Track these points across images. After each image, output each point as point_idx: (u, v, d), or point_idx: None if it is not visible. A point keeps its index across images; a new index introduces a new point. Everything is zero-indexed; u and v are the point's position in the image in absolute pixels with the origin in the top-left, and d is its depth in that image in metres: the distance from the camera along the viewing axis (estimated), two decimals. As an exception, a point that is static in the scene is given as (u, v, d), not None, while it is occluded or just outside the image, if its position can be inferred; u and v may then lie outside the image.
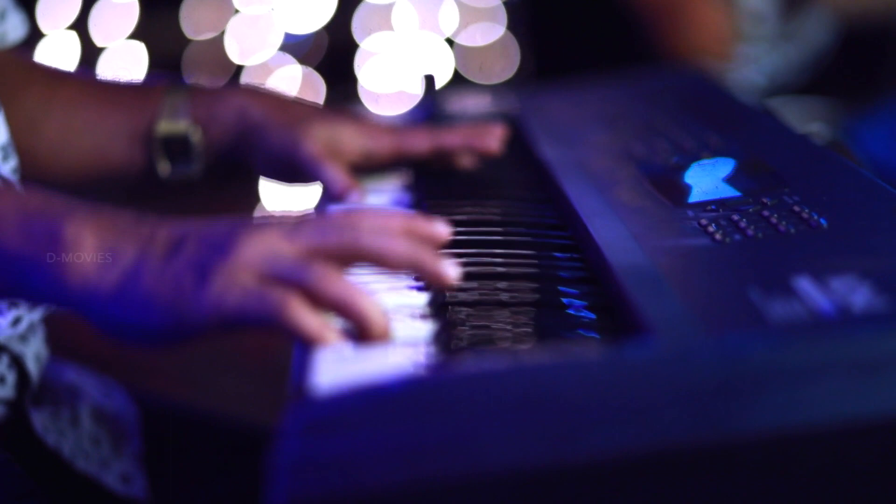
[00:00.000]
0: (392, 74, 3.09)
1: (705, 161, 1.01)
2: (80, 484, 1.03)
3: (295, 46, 3.11)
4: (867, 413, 0.64)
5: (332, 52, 3.12)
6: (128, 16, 3.00)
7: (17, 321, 0.99)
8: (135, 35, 2.99)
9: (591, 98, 1.39)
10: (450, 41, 3.14)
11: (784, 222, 0.84)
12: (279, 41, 3.09)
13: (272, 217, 0.79)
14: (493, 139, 1.16)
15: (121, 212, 0.80)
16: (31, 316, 1.01)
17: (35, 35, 2.79)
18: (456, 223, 0.91)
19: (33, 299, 0.80)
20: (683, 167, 1.00)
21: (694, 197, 0.93)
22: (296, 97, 1.24)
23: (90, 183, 1.18)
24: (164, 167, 1.16)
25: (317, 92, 3.10)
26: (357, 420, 0.63)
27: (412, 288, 0.85)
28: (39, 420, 1.01)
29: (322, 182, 1.13)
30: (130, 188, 1.20)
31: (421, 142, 1.16)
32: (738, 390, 0.64)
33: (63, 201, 0.80)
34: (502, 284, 0.86)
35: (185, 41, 3.05)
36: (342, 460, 0.62)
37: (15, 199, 0.81)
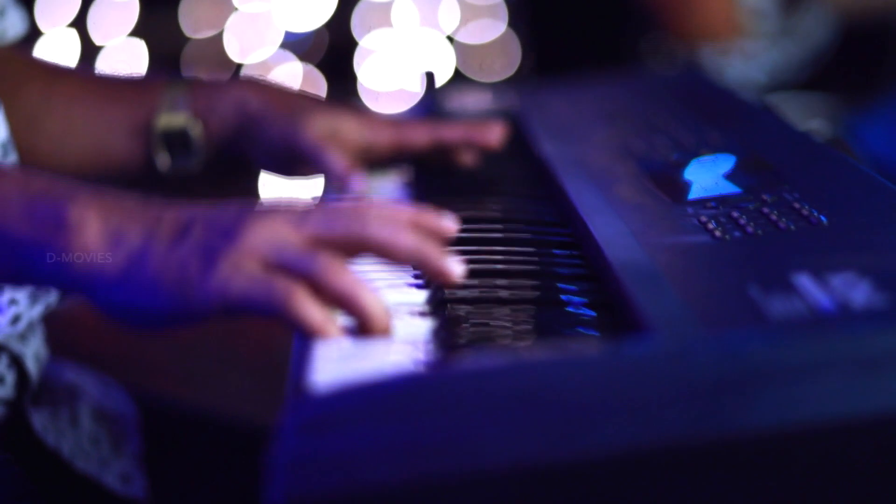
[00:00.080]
0: (392, 72, 3.09)
1: (705, 158, 1.01)
2: (80, 484, 1.03)
3: (295, 44, 3.11)
4: (867, 410, 0.64)
5: (332, 49, 3.11)
6: (127, 14, 3.00)
7: (16, 319, 0.99)
8: (135, 33, 2.99)
9: (591, 95, 1.39)
10: (450, 39, 3.14)
11: (784, 219, 0.84)
12: (279, 39, 3.09)
13: (280, 203, 0.79)
14: (493, 134, 1.16)
15: (126, 195, 0.80)
16: (30, 313, 1.00)
17: (34, 34, 2.79)
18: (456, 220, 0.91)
19: (38, 283, 0.80)
20: (683, 164, 1.00)
21: (694, 194, 0.93)
22: (296, 89, 1.24)
23: (91, 178, 1.17)
24: (163, 161, 1.16)
25: (317, 90, 3.10)
26: (355, 417, 0.63)
27: (411, 285, 0.85)
28: (39, 420, 1.01)
29: (323, 168, 1.12)
30: (131, 183, 1.19)
31: (421, 135, 1.17)
32: (738, 387, 0.64)
33: (66, 184, 0.80)
34: (502, 282, 0.86)
35: (183, 39, 3.05)
36: (340, 458, 0.62)
37: (17, 183, 0.81)
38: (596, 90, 1.41)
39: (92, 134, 1.17)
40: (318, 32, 3.12)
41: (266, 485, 0.63)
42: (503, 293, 0.84)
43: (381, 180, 1.18)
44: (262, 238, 0.74)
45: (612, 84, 1.42)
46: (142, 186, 1.21)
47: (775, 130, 1.12)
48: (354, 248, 0.77)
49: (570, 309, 0.82)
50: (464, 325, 0.78)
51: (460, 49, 3.14)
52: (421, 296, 0.83)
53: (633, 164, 1.04)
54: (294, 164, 1.16)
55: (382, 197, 1.14)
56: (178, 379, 2.00)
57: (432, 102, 1.43)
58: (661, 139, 1.11)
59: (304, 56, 3.10)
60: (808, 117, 2.35)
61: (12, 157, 1.05)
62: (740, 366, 0.64)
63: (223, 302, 0.73)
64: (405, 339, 0.76)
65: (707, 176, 0.96)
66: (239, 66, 3.06)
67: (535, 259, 0.91)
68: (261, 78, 1.23)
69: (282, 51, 3.09)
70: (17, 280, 0.82)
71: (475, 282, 0.84)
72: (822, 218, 0.83)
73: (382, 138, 1.16)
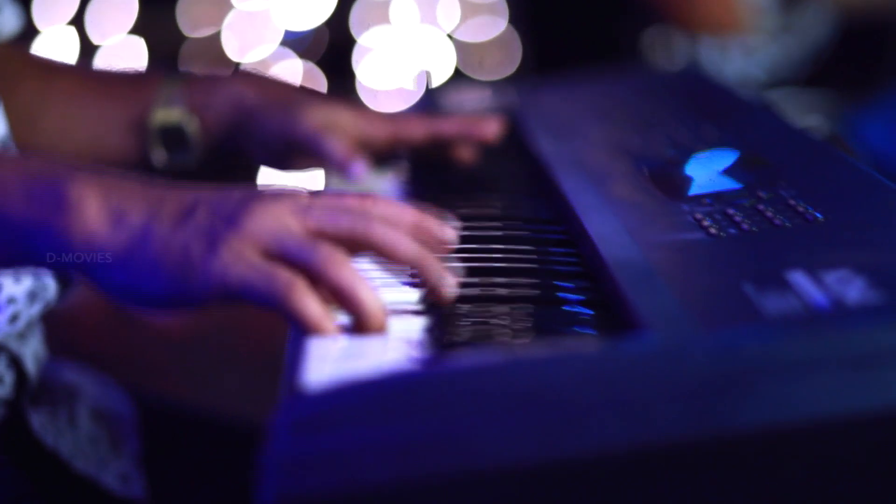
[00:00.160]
0: (391, 70, 3.08)
1: (701, 155, 1.00)
2: (78, 484, 1.02)
3: (295, 42, 3.10)
4: (862, 407, 0.64)
5: (331, 48, 3.11)
6: (126, 12, 2.99)
7: (14, 318, 0.99)
8: (133, 31, 2.99)
9: (588, 92, 1.39)
10: (450, 36, 3.13)
11: (779, 216, 0.84)
12: (278, 37, 3.08)
13: (284, 190, 0.79)
14: (490, 128, 1.16)
15: (128, 175, 0.80)
16: (29, 312, 1.00)
17: (31, 32, 2.78)
18: (451, 218, 0.90)
19: (39, 265, 0.79)
20: (679, 161, 1.00)
21: (689, 191, 0.93)
22: (292, 82, 1.24)
23: None
24: (160, 157, 1.16)
25: (318, 88, 3.09)
26: (348, 416, 0.63)
27: (407, 283, 0.85)
28: (37, 420, 1.01)
29: (322, 154, 1.12)
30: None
31: (417, 128, 1.17)
32: (733, 385, 0.64)
33: (67, 164, 0.80)
34: (498, 280, 0.85)
35: (181, 38, 3.04)
36: (333, 457, 0.62)
37: (15, 164, 0.81)
38: (594, 87, 1.40)
39: (88, 130, 1.17)
40: (317, 31, 3.12)
41: (258, 484, 0.63)
42: (499, 291, 0.83)
43: (378, 178, 1.18)
44: (265, 226, 0.74)
45: (610, 81, 1.42)
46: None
47: (772, 127, 1.12)
48: (356, 245, 0.77)
49: (566, 307, 0.81)
50: (459, 323, 0.78)
51: (461, 47, 3.14)
52: (416, 294, 0.83)
53: (629, 162, 1.04)
54: (292, 157, 1.16)
55: (384, 194, 1.13)
56: (178, 379, 2.00)
57: (430, 100, 1.43)
58: (658, 136, 1.11)
59: (303, 54, 3.10)
60: (807, 113, 2.35)
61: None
62: (735, 363, 0.64)
63: (222, 288, 0.73)
64: (399, 337, 0.76)
65: (703, 173, 0.96)
66: (237, 64, 3.06)
67: (532, 257, 0.91)
68: (256, 71, 1.23)
69: (282, 49, 3.09)
70: (18, 263, 0.81)
71: (471, 279, 0.84)
72: (818, 215, 0.83)
73: (379, 131, 1.16)
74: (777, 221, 0.83)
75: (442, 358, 0.72)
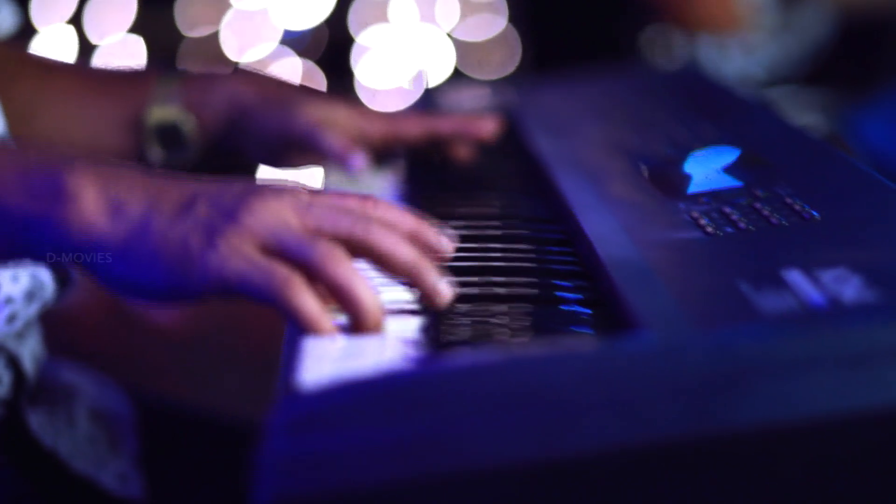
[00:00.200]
0: (390, 70, 3.08)
1: (698, 153, 1.00)
2: (77, 484, 1.02)
3: (294, 41, 3.10)
4: (858, 405, 0.63)
5: (330, 46, 3.11)
6: (125, 10, 2.99)
7: (12, 318, 0.99)
8: (132, 30, 2.99)
9: (587, 91, 1.39)
10: (449, 35, 3.13)
11: (776, 214, 0.84)
12: (276, 36, 3.08)
13: (286, 185, 0.79)
14: (486, 127, 1.16)
15: (127, 165, 0.79)
16: (27, 312, 1.00)
17: (29, 31, 2.78)
18: (449, 216, 0.91)
19: (38, 256, 0.79)
20: (677, 159, 1.00)
21: (686, 189, 0.93)
22: (288, 80, 1.24)
23: None
24: (156, 154, 1.16)
25: (317, 87, 3.09)
26: (344, 416, 0.63)
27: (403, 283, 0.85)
28: (36, 420, 1.01)
29: (321, 148, 1.12)
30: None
31: (413, 127, 1.17)
32: (730, 383, 0.63)
33: (65, 154, 0.79)
34: (494, 279, 0.85)
35: (179, 37, 3.04)
36: (329, 457, 0.62)
37: (14, 155, 0.80)
38: (592, 86, 1.40)
39: (85, 128, 1.17)
40: (317, 29, 3.11)
41: (254, 485, 0.63)
42: (496, 290, 0.83)
43: (376, 177, 1.18)
44: (264, 221, 0.74)
45: (609, 80, 1.42)
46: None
47: (770, 126, 1.12)
48: (354, 247, 0.76)
49: (563, 306, 0.81)
50: (455, 322, 0.78)
51: (460, 46, 3.13)
52: (411, 293, 0.83)
53: (627, 160, 1.04)
54: (290, 155, 1.16)
55: (381, 193, 1.13)
56: (177, 378, 2.00)
57: (428, 100, 1.43)
58: (656, 135, 1.11)
59: (303, 53, 3.10)
60: (806, 111, 2.35)
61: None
62: (732, 362, 0.64)
63: (220, 282, 0.73)
64: (396, 336, 0.75)
65: (701, 171, 0.96)
66: (236, 64, 3.06)
67: (529, 256, 0.91)
68: (253, 70, 1.23)
69: (281, 47, 3.08)
70: (17, 255, 0.81)
71: (468, 279, 0.84)
72: (815, 213, 0.83)
73: (375, 128, 1.16)
74: (774, 220, 0.83)
75: (439, 357, 0.72)
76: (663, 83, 1.37)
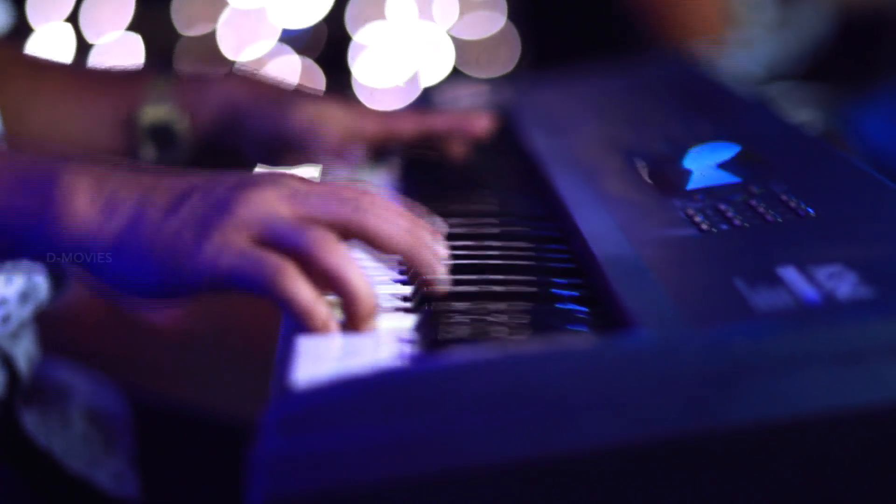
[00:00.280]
0: (388, 68, 3.07)
1: (694, 150, 1.00)
2: (72, 484, 1.02)
3: (293, 40, 3.10)
4: (853, 403, 0.63)
5: (329, 45, 3.10)
6: (122, 9, 2.99)
7: (6, 319, 0.99)
8: (129, 28, 2.98)
9: (584, 88, 1.38)
10: (448, 32, 3.12)
11: (771, 211, 0.84)
12: (275, 35, 3.08)
13: (279, 175, 0.78)
14: (480, 124, 1.16)
15: (120, 162, 0.79)
16: (20, 313, 1.00)
17: (25, 31, 2.78)
18: (444, 214, 0.91)
19: (32, 254, 0.79)
20: (672, 156, 0.99)
21: (682, 186, 0.92)
22: (282, 81, 1.24)
23: None
24: (149, 154, 1.16)
25: (316, 85, 3.09)
26: (337, 414, 0.63)
27: (397, 280, 0.85)
28: (30, 419, 1.01)
29: (314, 148, 1.12)
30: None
31: (407, 124, 1.17)
32: (725, 381, 0.63)
33: (58, 152, 0.79)
34: (489, 276, 0.85)
35: (176, 36, 3.04)
36: (322, 456, 0.62)
37: (6, 156, 0.81)
38: (589, 83, 1.40)
39: (77, 127, 1.17)
40: (316, 27, 3.11)
41: (247, 484, 0.63)
42: (491, 288, 0.83)
43: (371, 174, 1.18)
44: (256, 212, 0.74)
45: (606, 76, 1.41)
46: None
47: (765, 122, 1.12)
48: (347, 232, 0.76)
49: (558, 304, 0.81)
50: (450, 320, 0.77)
51: (459, 44, 3.12)
52: (406, 291, 0.83)
53: (622, 157, 1.04)
54: (284, 154, 1.16)
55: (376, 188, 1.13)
56: (174, 378, 2.00)
57: (425, 98, 1.43)
58: (652, 132, 1.10)
59: (302, 51, 3.09)
60: (803, 108, 2.35)
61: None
62: (727, 359, 0.64)
63: (213, 276, 0.73)
64: (391, 334, 0.75)
65: (696, 168, 0.95)
66: (233, 63, 3.05)
67: (524, 253, 0.91)
68: (247, 72, 1.23)
69: (280, 45, 3.08)
70: (10, 253, 0.81)
71: (463, 276, 0.84)
72: (810, 210, 0.83)
73: (370, 126, 1.16)
74: (769, 217, 0.83)
75: (433, 355, 0.72)
76: (660, 79, 1.37)
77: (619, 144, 1.09)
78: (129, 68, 1.27)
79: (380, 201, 0.78)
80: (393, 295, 0.82)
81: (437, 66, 3.06)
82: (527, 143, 1.16)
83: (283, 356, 0.72)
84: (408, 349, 0.73)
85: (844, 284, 0.69)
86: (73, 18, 2.92)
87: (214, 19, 3.05)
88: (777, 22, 2.49)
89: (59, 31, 2.90)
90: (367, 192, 0.79)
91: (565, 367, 0.64)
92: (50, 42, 2.86)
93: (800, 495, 0.65)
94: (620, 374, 0.64)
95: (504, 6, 3.08)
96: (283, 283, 0.72)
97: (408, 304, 0.80)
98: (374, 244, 0.77)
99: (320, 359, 0.70)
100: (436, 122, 1.17)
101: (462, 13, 3.12)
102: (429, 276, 0.78)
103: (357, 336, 0.74)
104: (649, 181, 0.96)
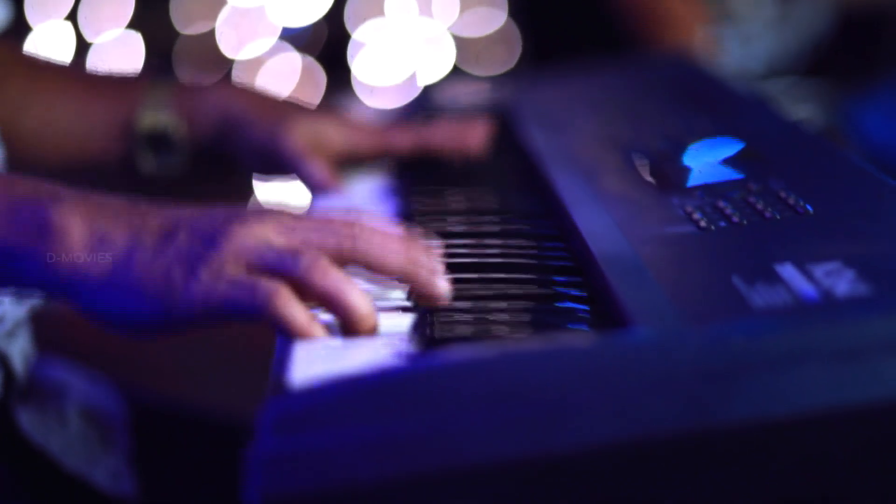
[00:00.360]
0: (387, 65, 3.07)
1: (692, 147, 1.00)
2: (69, 483, 1.02)
3: (293, 38, 3.10)
4: (851, 400, 0.63)
5: (329, 43, 3.10)
6: (121, 8, 2.99)
7: (1, 318, 0.99)
8: (129, 27, 2.98)
9: (582, 85, 1.38)
10: (448, 30, 3.12)
11: (770, 209, 0.83)
12: (275, 33, 3.08)
13: (269, 209, 0.79)
14: (474, 136, 1.17)
15: (111, 197, 0.79)
16: (15, 313, 1.00)
17: (23, 29, 2.78)
18: (442, 213, 0.90)
19: (23, 286, 0.80)
20: (670, 153, 0.99)
21: (680, 184, 0.92)
22: (280, 95, 1.24)
23: (72, 174, 1.17)
24: (145, 160, 1.16)
25: (317, 83, 3.09)
26: (333, 414, 0.62)
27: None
28: (26, 418, 1.01)
29: (301, 178, 1.13)
30: (118, 181, 1.19)
31: (404, 139, 1.17)
32: (723, 378, 0.63)
33: (51, 187, 0.79)
34: (487, 275, 0.85)
35: (175, 34, 3.04)
36: (319, 456, 0.62)
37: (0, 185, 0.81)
38: (589, 81, 1.40)
39: (73, 130, 1.17)
40: (316, 25, 3.11)
41: (244, 483, 0.62)
42: (490, 287, 0.83)
43: (370, 174, 1.18)
44: (246, 242, 0.74)
45: (605, 73, 1.41)
46: (131, 185, 1.21)
47: (764, 119, 1.12)
48: (341, 260, 0.76)
49: (556, 302, 0.81)
50: (446, 319, 0.77)
51: (459, 42, 3.12)
52: (402, 291, 0.83)
53: (620, 155, 1.04)
54: (278, 166, 1.16)
55: (367, 189, 1.13)
56: (171, 376, 2.00)
57: (425, 97, 1.43)
58: (650, 129, 1.10)
59: (302, 49, 3.09)
60: (803, 104, 2.35)
61: (0, 153, 1.05)
62: (725, 356, 0.64)
63: (206, 308, 0.73)
64: (387, 334, 0.75)
65: (694, 165, 0.95)
66: (233, 61, 3.05)
67: (521, 252, 0.90)
68: (245, 83, 1.24)
69: (280, 43, 3.08)
70: (1, 286, 0.82)
71: (460, 275, 0.84)
72: (809, 207, 0.82)
73: (365, 144, 1.16)
74: (767, 214, 0.83)
75: (429, 354, 0.72)
76: (659, 75, 1.37)
77: (618, 142, 1.08)
78: (128, 74, 1.28)
79: (371, 228, 0.78)
80: (388, 294, 0.81)
81: (436, 63, 3.05)
82: (526, 140, 1.16)
83: (280, 357, 0.72)
84: (406, 348, 0.73)
85: (843, 282, 0.69)
86: (72, 17, 2.92)
87: (214, 17, 3.05)
88: (777, 18, 2.49)
89: (58, 29, 2.90)
90: (358, 221, 0.79)
91: (563, 365, 0.64)
92: (49, 40, 2.87)
93: (799, 493, 0.65)
94: (619, 372, 0.64)
95: (505, 3, 3.08)
96: (276, 305, 0.72)
97: (406, 303, 0.80)
98: (370, 269, 0.77)
99: (316, 359, 0.70)
100: (431, 137, 1.17)
101: (462, 10, 3.12)
102: (429, 294, 0.78)
103: (355, 337, 0.74)
104: (648, 178, 0.96)
